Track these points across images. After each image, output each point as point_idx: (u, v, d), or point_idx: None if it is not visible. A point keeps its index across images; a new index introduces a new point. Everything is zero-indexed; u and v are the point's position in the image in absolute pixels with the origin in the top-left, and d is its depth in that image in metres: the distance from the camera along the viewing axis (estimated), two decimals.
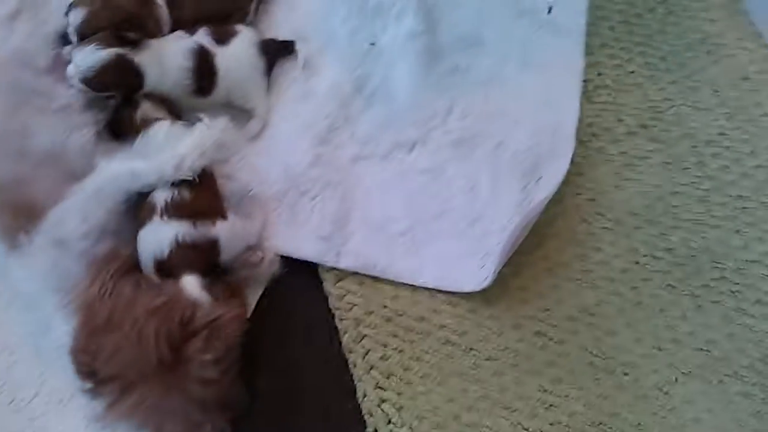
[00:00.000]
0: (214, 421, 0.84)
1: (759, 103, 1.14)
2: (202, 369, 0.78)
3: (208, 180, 0.96)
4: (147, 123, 0.98)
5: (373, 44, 1.15)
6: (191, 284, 0.88)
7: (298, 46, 1.13)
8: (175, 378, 0.77)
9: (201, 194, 0.94)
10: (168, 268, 0.89)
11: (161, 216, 0.91)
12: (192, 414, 0.81)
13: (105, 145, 0.97)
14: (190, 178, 0.91)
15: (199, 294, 0.86)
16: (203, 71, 1.05)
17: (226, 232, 0.93)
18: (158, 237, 0.90)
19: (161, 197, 0.92)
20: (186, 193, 0.92)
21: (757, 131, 1.12)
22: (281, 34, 1.15)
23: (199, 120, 0.96)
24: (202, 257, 0.91)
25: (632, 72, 1.17)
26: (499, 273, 0.99)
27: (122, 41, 1.00)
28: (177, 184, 0.92)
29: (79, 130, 0.95)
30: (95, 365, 0.79)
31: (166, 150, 0.92)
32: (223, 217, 0.95)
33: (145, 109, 1.01)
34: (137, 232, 0.92)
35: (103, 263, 0.84)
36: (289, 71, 1.13)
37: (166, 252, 0.89)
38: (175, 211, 0.91)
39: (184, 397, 0.78)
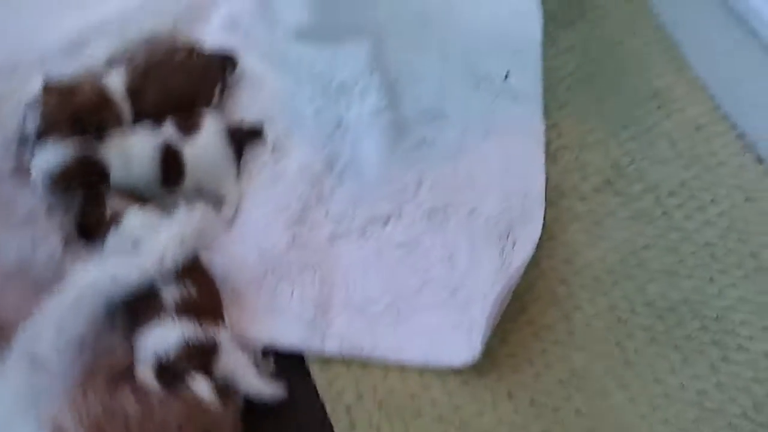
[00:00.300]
0: None
1: (713, 152, 1.19)
2: None
3: (205, 273, 0.95)
4: (118, 216, 0.96)
5: (340, 123, 1.16)
6: (203, 386, 0.85)
7: (265, 129, 1.13)
8: None
9: (203, 289, 0.92)
10: (171, 372, 0.86)
11: (169, 315, 0.88)
12: None
13: (74, 251, 0.94)
14: (187, 271, 0.90)
15: (210, 396, 0.84)
16: (171, 165, 1.04)
17: (227, 339, 0.91)
18: (163, 338, 0.87)
19: (168, 295, 0.89)
20: (192, 290, 0.90)
21: (715, 179, 1.16)
22: (247, 117, 1.15)
23: (178, 208, 0.94)
24: (206, 360, 0.88)
25: (591, 131, 1.21)
26: (487, 342, 0.99)
27: (83, 134, 0.99)
28: (180, 278, 0.90)
29: (46, 238, 0.92)
30: None
31: (144, 242, 0.89)
32: (222, 319, 0.93)
33: (114, 203, 0.98)
34: (137, 332, 0.89)
35: (89, 377, 0.79)
36: (258, 154, 1.13)
37: (171, 354, 0.86)
38: (183, 309, 0.89)
39: None
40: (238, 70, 1.18)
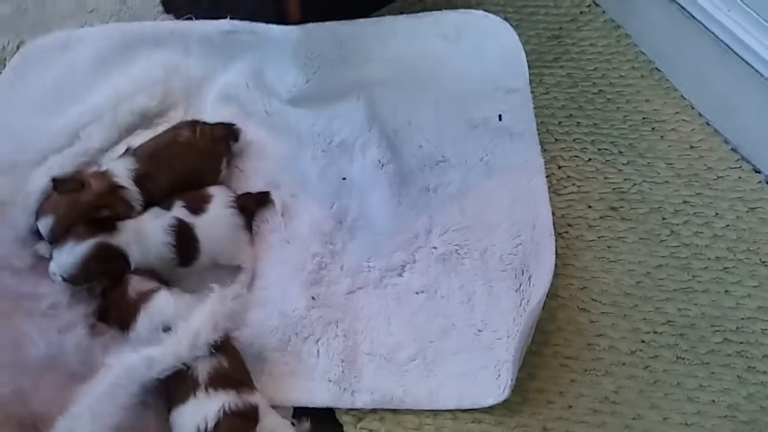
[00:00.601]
0: None
1: (710, 167, 1.22)
2: None
3: (230, 343, 0.96)
4: (144, 296, 0.97)
5: (344, 179, 1.19)
6: None
7: (273, 194, 1.15)
8: None
9: (234, 358, 0.93)
10: None
11: (205, 388, 0.89)
12: None
13: (101, 338, 0.95)
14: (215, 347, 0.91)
15: None
16: (185, 243, 1.04)
17: (264, 402, 0.92)
18: (203, 411, 0.87)
19: (203, 369, 0.90)
20: (223, 360, 0.91)
21: (716, 194, 1.19)
22: (255, 185, 1.17)
23: (210, 290, 0.95)
24: (249, 426, 0.88)
25: (589, 160, 1.24)
26: (516, 379, 0.99)
27: (97, 227, 1.00)
28: (213, 352, 0.91)
29: (73, 328, 0.93)
30: None
31: (174, 324, 0.90)
32: (254, 385, 0.94)
33: (135, 283, 0.99)
34: (172, 410, 0.89)
35: None
36: (269, 220, 1.15)
37: (213, 426, 0.86)
38: (217, 380, 0.89)
39: None
40: (240, 139, 1.21)
